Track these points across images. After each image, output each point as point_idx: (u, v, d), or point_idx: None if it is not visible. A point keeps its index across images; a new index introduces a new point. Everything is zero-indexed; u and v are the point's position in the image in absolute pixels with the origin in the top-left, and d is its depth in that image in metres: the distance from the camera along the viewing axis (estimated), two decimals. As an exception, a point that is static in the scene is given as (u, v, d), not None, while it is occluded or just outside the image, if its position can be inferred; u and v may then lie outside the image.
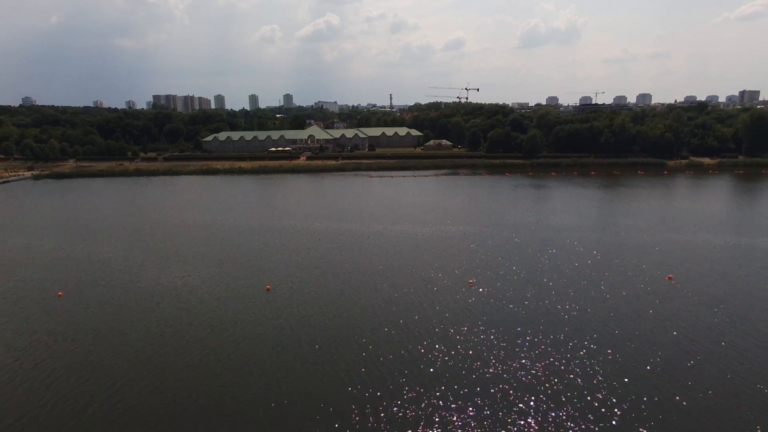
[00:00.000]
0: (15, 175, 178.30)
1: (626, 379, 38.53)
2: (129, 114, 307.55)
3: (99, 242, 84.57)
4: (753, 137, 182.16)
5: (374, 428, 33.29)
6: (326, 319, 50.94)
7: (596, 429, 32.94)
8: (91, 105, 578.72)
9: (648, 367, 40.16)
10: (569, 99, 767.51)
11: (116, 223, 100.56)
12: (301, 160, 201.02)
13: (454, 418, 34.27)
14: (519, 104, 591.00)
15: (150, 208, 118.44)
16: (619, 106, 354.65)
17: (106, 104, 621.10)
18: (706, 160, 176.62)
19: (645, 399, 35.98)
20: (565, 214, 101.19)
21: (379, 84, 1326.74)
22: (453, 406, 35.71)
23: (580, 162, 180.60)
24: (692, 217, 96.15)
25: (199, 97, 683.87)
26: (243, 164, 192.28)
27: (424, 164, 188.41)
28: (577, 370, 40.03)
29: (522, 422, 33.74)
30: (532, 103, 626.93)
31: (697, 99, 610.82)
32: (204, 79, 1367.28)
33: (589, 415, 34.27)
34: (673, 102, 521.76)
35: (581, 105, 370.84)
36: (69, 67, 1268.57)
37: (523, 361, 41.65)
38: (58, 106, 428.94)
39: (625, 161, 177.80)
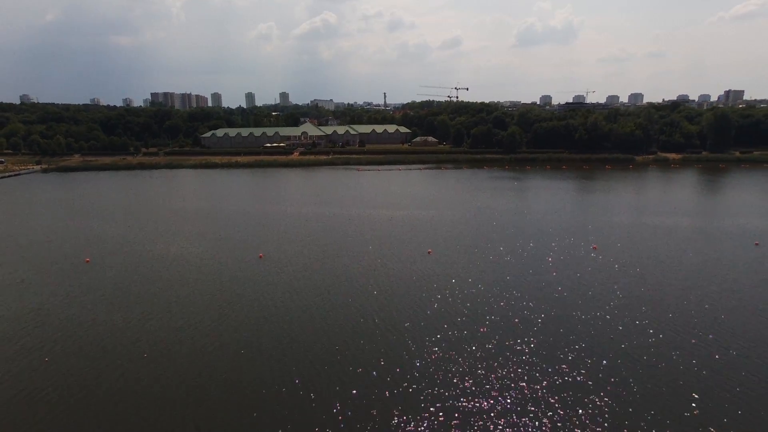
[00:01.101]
0: (25, 169, 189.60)
1: (540, 322, 50.90)
2: (130, 111, 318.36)
3: (112, 224, 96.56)
4: (716, 134, 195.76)
5: (340, 364, 45.47)
6: (309, 277, 63.06)
7: (522, 370, 45.26)
8: (89, 103, 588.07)
9: (567, 311, 52.55)
10: (563, 98, 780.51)
11: (125, 209, 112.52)
12: (295, 155, 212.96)
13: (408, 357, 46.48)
14: (511, 103, 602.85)
15: (154, 197, 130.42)
16: (599, 106, 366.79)
17: (103, 102, 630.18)
18: (672, 156, 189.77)
19: (572, 338, 48.33)
20: (524, 200, 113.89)
21: (376, 82, 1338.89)
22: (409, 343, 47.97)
23: (555, 157, 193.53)
24: (629, 202, 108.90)
25: (196, 95, 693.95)
26: (239, 159, 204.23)
27: (410, 159, 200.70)
28: (509, 313, 52.37)
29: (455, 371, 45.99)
30: (525, 102, 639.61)
31: (690, 98, 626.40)
32: (201, 77, 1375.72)
33: (511, 356, 46.57)
34: (661, 101, 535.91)
35: (566, 104, 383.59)
36: (65, 65, 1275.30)
37: (464, 309, 53.90)
38: (59, 104, 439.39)
39: (597, 156, 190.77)
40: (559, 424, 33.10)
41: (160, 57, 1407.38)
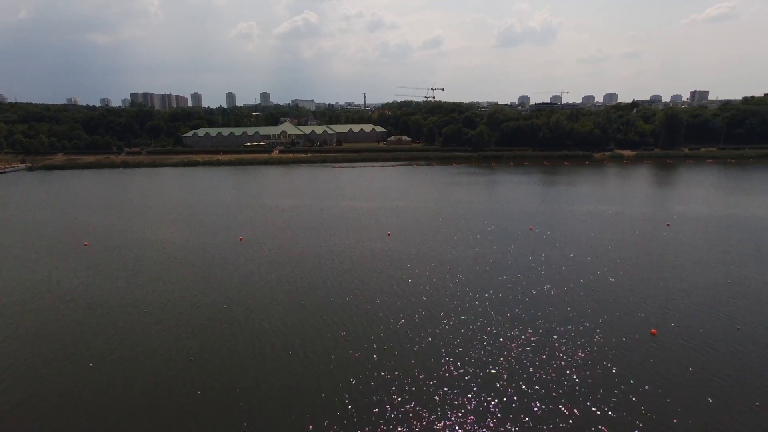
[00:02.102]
0: (10, 167, 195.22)
1: (478, 289, 62.01)
2: (111, 111, 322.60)
3: (103, 215, 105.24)
4: (667, 133, 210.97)
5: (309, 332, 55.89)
6: (281, 254, 73.23)
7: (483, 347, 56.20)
8: (66, 102, 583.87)
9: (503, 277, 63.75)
10: (541, 98, 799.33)
11: (114, 203, 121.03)
12: (274, 154, 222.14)
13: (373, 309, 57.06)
14: (488, 103, 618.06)
15: (140, 192, 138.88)
16: (568, 106, 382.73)
17: (80, 101, 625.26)
18: (627, 152, 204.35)
19: (517, 311, 59.47)
20: (480, 192, 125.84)
21: (358, 82, 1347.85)
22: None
23: (520, 154, 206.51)
24: (573, 192, 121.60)
25: (176, 96, 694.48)
26: (221, 157, 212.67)
27: (384, 157, 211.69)
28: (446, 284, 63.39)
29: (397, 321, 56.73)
30: (503, 102, 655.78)
31: (662, 99, 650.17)
32: (180, 76, 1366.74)
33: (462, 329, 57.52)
34: (631, 101, 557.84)
35: (535, 105, 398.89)
36: (40, 64, 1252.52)
37: (409, 278, 64.74)
38: (37, 104, 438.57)
39: (558, 154, 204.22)
40: (485, 371, 44.12)
41: (138, 56, 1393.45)
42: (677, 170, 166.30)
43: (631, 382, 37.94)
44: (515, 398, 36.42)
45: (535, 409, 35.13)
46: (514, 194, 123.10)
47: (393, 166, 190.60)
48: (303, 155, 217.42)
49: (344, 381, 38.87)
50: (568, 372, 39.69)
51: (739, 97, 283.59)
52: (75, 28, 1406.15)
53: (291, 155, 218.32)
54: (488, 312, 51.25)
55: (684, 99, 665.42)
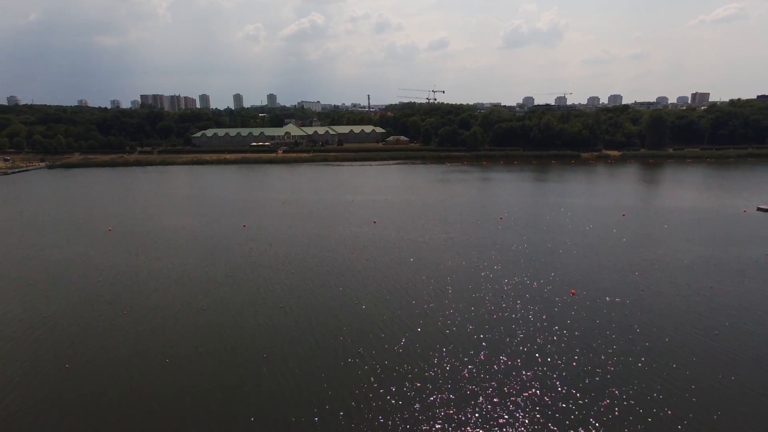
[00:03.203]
0: (31, 166, 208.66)
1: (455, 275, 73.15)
2: (124, 113, 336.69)
3: (122, 206, 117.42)
4: (653, 134, 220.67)
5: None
6: (280, 237, 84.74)
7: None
8: (76, 104, 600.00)
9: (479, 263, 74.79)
10: (545, 99, 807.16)
11: (129, 196, 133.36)
12: (278, 153, 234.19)
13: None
14: (491, 104, 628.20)
15: (153, 187, 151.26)
16: (560, 107, 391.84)
17: (90, 103, 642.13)
18: (614, 153, 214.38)
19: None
20: (463, 187, 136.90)
21: (364, 83, 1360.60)
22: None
23: (512, 154, 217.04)
24: (549, 187, 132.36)
25: (185, 97, 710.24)
26: (228, 156, 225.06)
27: (382, 156, 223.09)
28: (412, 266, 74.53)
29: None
30: (508, 103, 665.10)
31: (668, 100, 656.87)
32: (188, 78, 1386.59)
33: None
34: (632, 103, 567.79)
35: (534, 106, 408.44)
36: (50, 66, 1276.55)
37: (391, 255, 75.93)
38: (52, 105, 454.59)
39: (548, 153, 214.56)
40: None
41: (147, 58, 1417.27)
42: (654, 169, 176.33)
43: (555, 328, 48.67)
44: (457, 346, 47.63)
45: (475, 355, 46.30)
46: (494, 189, 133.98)
47: (390, 164, 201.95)
48: (305, 155, 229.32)
49: (326, 322, 50.22)
50: (501, 318, 50.76)
51: (745, 98, 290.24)
52: (84, 30, 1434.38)
53: (294, 154, 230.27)
54: (443, 277, 62.41)
55: (690, 101, 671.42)
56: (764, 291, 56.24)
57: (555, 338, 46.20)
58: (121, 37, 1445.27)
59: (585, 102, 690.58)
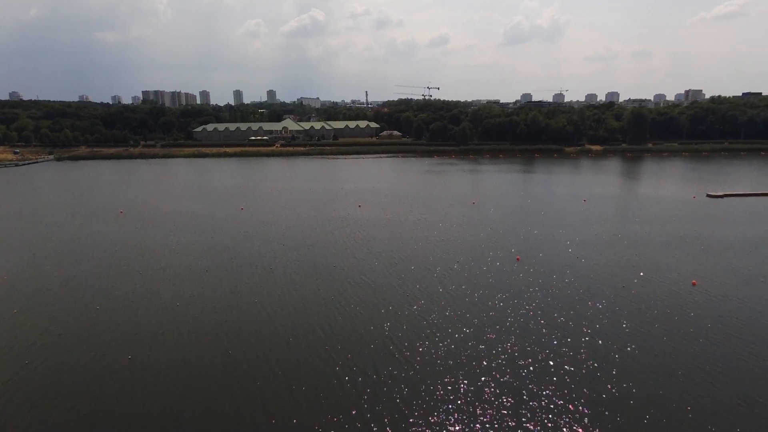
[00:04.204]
0: (41, 158, 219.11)
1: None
2: (128, 108, 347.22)
3: (130, 192, 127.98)
4: (634, 129, 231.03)
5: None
6: (272, 219, 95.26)
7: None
8: (78, 100, 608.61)
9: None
10: (544, 96, 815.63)
11: (136, 185, 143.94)
12: (276, 147, 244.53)
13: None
14: (488, 101, 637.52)
15: (158, 177, 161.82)
16: (551, 103, 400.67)
17: (91, 99, 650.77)
18: (596, 147, 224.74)
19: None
20: (444, 177, 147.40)
21: (365, 80, 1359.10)
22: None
23: (499, 148, 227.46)
24: (524, 177, 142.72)
25: (186, 93, 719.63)
26: (228, 149, 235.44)
27: (375, 150, 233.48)
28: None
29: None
30: (506, 100, 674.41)
31: (666, 97, 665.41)
32: (188, 74, 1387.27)
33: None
34: (626, 100, 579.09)
35: (526, 102, 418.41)
36: (51, 61, 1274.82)
37: (372, 235, 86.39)
38: (55, 101, 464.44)
39: (533, 147, 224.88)
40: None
41: (147, 54, 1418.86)
42: (630, 162, 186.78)
43: (500, 295, 58.98)
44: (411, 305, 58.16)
45: (425, 317, 56.85)
46: (473, 179, 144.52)
47: (382, 158, 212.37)
48: (302, 148, 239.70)
49: (307, 277, 60.76)
50: (453, 276, 61.29)
51: (729, 96, 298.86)
52: (85, 26, 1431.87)
53: (291, 148, 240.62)
54: (410, 246, 72.92)
55: (683, 99, 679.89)
56: (677, 256, 66.79)
57: (494, 293, 56.71)
58: (122, 32, 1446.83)
59: (583, 99, 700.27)
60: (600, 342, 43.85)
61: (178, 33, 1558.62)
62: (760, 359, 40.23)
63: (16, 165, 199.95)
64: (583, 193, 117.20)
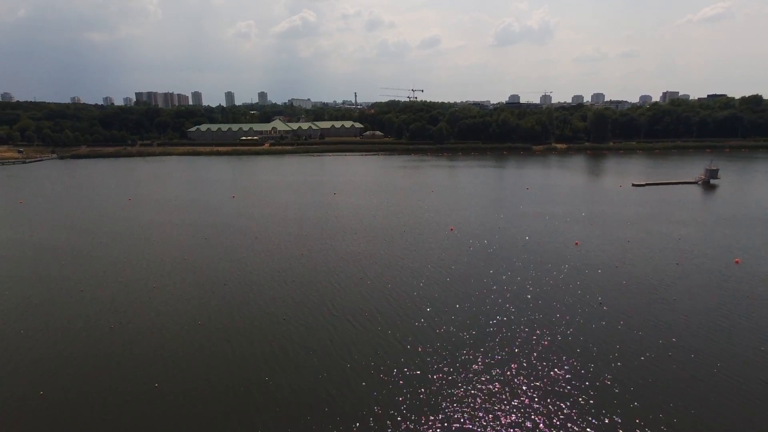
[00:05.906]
0: (44, 157, 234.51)
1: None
2: (125, 110, 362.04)
3: (133, 185, 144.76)
4: (597, 129, 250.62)
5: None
6: (258, 203, 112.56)
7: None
8: (69, 101, 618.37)
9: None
10: (531, 97, 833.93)
11: (138, 179, 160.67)
12: (265, 146, 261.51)
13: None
14: (475, 102, 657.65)
15: (156, 173, 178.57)
16: (534, 105, 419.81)
17: (83, 100, 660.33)
18: (561, 146, 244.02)
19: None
20: (415, 172, 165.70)
21: (356, 81, 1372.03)
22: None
23: (472, 147, 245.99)
24: (486, 171, 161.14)
25: (178, 94, 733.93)
26: (220, 148, 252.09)
27: (359, 148, 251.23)
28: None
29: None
30: (495, 101, 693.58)
31: (652, 99, 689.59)
32: (180, 75, 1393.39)
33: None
34: (608, 101, 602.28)
35: (507, 103, 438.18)
36: (41, 62, 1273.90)
37: (349, 218, 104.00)
38: (53, 103, 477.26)
39: (503, 146, 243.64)
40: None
41: (137, 55, 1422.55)
42: (587, 159, 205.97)
43: (435, 256, 76.72)
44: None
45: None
46: (438, 173, 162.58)
47: (364, 155, 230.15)
48: (290, 147, 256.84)
49: (284, 246, 78.23)
50: (405, 247, 78.99)
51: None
52: (74, 27, 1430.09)
53: (279, 147, 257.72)
54: (369, 221, 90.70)
55: (660, 100, 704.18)
56: (585, 229, 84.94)
57: (430, 255, 74.56)
58: (112, 33, 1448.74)
59: (570, 100, 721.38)
60: (503, 284, 61.93)
61: (169, 34, 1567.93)
62: (599, 293, 58.52)
63: (23, 162, 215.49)
64: (529, 182, 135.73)
